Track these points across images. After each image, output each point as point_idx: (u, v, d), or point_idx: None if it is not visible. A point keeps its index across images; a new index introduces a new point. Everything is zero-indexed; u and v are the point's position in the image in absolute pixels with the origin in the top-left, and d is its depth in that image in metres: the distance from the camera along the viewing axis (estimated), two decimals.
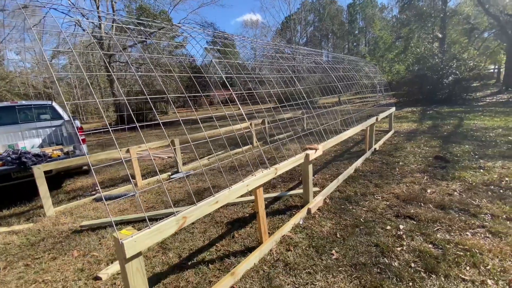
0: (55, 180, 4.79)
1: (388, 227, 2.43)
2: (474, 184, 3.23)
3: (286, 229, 2.46)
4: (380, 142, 5.72)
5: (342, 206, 2.94)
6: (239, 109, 2.67)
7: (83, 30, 13.62)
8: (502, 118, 7.40)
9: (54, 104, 5.72)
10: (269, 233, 2.49)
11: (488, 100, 12.83)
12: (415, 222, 2.50)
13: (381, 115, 5.51)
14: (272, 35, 37.43)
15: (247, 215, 2.92)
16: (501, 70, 24.84)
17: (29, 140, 4.74)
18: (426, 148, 5.07)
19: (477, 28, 17.94)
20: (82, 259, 2.38)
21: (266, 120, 6.87)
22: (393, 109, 6.70)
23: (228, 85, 3.03)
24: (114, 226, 1.33)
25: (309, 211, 2.79)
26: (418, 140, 5.75)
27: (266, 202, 3.21)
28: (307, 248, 2.21)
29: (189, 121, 13.92)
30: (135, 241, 1.29)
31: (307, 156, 2.68)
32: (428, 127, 7.24)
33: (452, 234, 2.25)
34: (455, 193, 3.05)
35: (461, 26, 19.16)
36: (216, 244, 2.39)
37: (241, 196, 2.08)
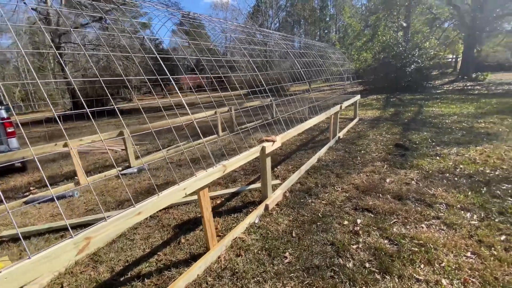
0: None
1: (346, 222, 2.31)
2: (430, 172, 3.26)
3: (239, 230, 2.23)
4: (344, 130, 5.71)
5: (302, 200, 2.79)
6: (208, 96, 2.34)
7: (25, 3, 11.84)
8: (458, 105, 7.81)
9: None
10: (220, 235, 2.25)
11: (445, 88, 13.65)
12: (372, 215, 2.41)
13: (346, 103, 5.45)
14: (243, 19, 36.23)
15: (200, 215, 2.64)
16: (458, 59, 26.65)
17: None
18: (388, 135, 5.13)
19: (438, 18, 18.79)
20: None
21: (232, 108, 6.53)
22: (357, 97, 6.72)
23: (197, 70, 2.64)
24: (22, 239, 0.97)
25: (266, 207, 2.59)
26: (381, 128, 5.83)
27: (223, 199, 2.95)
28: (259, 252, 2.00)
29: (152, 108, 13.09)
30: (6, 277, 0.95)
31: (263, 149, 2.45)
32: (390, 115, 7.42)
33: (408, 227, 2.19)
34: (413, 182, 3.04)
35: (424, 16, 19.95)
36: (158, 253, 2.10)
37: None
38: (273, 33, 4.86)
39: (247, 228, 2.31)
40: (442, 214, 2.34)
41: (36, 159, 1.22)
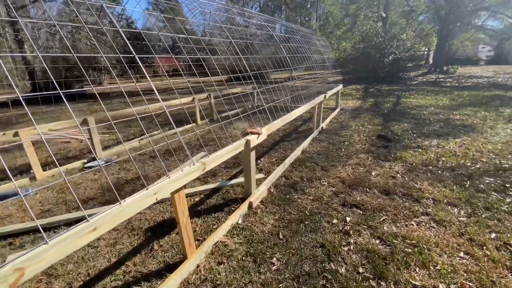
0: None
1: (335, 221, 2.17)
2: (414, 164, 3.23)
3: (220, 232, 2.01)
4: (327, 121, 5.61)
5: (287, 196, 2.61)
6: (186, 81, 2.01)
7: None
8: (433, 97, 8.04)
9: None
10: (199, 239, 2.01)
11: (419, 80, 14.12)
12: (361, 212, 2.30)
13: (329, 93, 5.32)
14: (223, 1, 34.62)
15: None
16: (430, 52, 27.74)
17: None
18: (370, 126, 5.10)
19: (415, 10, 19.21)
20: None
21: (212, 95, 6.15)
22: (340, 86, 6.63)
23: (172, 53, 2.27)
24: None
25: (250, 205, 2.38)
26: (362, 118, 5.80)
27: (202, 196, 2.70)
28: (243, 258, 1.80)
29: (125, 93, 12.20)
30: None
31: (248, 143, 2.20)
32: (370, 105, 7.46)
33: (398, 225, 2.09)
34: (398, 175, 2.98)
35: (401, 8, 20.30)
36: (127, 263, 1.82)
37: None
38: (256, 15, 4.51)
39: (229, 230, 2.09)
40: (431, 210, 2.28)
41: None
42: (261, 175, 3.06)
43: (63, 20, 13.70)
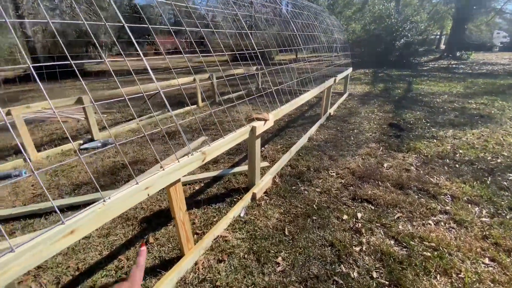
0: None
1: (345, 217, 2.01)
2: (429, 156, 3.02)
3: (221, 226, 1.85)
4: (335, 106, 5.34)
5: (293, 187, 2.44)
6: (188, 60, 1.77)
7: None
8: (446, 84, 7.66)
9: None
10: (198, 233, 1.86)
11: (431, 65, 13.54)
12: (373, 208, 2.13)
13: (339, 76, 5.01)
14: None
15: None
16: (442, 36, 26.55)
17: None
18: (380, 113, 4.84)
19: None
20: None
21: (214, 75, 5.85)
22: (350, 70, 6.28)
23: (173, 32, 2.02)
24: None
25: (254, 196, 2.22)
26: (372, 105, 5.52)
27: (202, 185, 2.54)
28: (246, 256, 1.66)
29: (125, 71, 11.84)
30: None
31: (253, 129, 1.99)
32: (380, 91, 7.13)
33: (414, 224, 1.93)
34: (412, 168, 2.79)
35: None
36: (120, 257, 1.68)
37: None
38: None
39: (231, 223, 1.94)
40: (449, 208, 2.11)
41: None
42: (265, 163, 2.87)
43: None
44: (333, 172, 2.73)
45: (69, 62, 1.12)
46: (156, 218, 2.05)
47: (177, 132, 4.12)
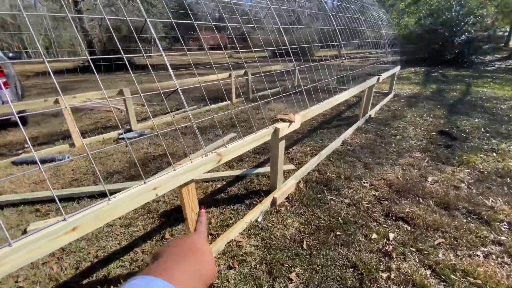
0: None
1: (374, 236, 1.78)
2: (486, 173, 2.58)
3: (236, 230, 1.78)
4: (377, 108, 4.90)
5: (319, 195, 2.26)
6: (228, 56, 1.76)
7: None
8: None
9: None
10: (212, 234, 1.82)
11: (497, 66, 11.77)
12: (410, 229, 1.86)
13: (384, 75, 4.58)
14: None
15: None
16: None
17: None
18: (430, 118, 4.31)
19: None
20: None
21: (249, 72, 5.80)
22: (397, 68, 5.72)
23: (215, 29, 2.02)
24: None
25: (274, 201, 2.10)
26: (421, 108, 4.96)
27: (224, 183, 2.49)
28: (257, 266, 1.56)
29: (165, 66, 12.44)
30: None
31: (276, 131, 1.87)
32: (432, 92, 6.38)
33: (458, 253, 1.63)
34: (463, 185, 2.40)
35: None
36: (136, 249, 1.72)
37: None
38: None
39: (246, 228, 1.86)
40: (505, 238, 1.75)
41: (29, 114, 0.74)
42: (291, 166, 2.73)
43: None
44: (367, 182, 2.47)
45: (120, 56, 1.18)
46: (176, 213, 2.06)
47: (208, 127, 4.16)
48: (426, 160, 2.86)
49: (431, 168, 2.70)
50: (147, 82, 9.36)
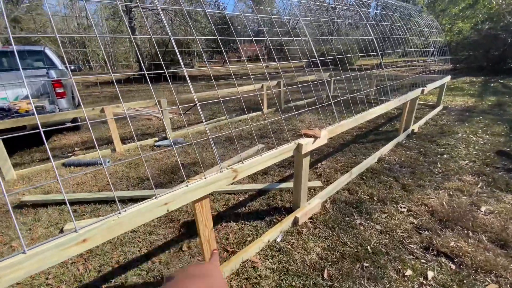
0: (40, 135, 4.44)
1: (409, 272, 1.56)
2: None
3: (252, 249, 1.71)
4: (421, 122, 4.46)
5: (347, 218, 2.08)
6: (265, 66, 1.81)
7: None
8: None
9: (47, 50, 5.15)
10: (228, 251, 1.77)
11: None
12: (454, 267, 1.59)
13: (430, 86, 4.16)
14: None
15: (216, 213, 2.21)
16: None
17: (12, 91, 4.28)
18: (486, 136, 3.77)
19: None
20: (0, 248, 1.91)
21: (281, 82, 5.76)
22: (447, 78, 5.18)
23: (254, 40, 2.10)
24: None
25: (295, 221, 1.98)
26: (475, 123, 4.37)
27: (246, 196, 2.44)
28: None
29: (204, 76, 13.02)
30: None
31: (299, 147, 1.77)
32: (490, 106, 5.62)
33: None
34: None
35: None
36: (154, 258, 1.74)
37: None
38: None
39: (264, 248, 1.77)
40: None
41: (80, 121, 0.84)
42: (317, 183, 2.57)
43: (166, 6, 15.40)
44: (404, 207, 2.21)
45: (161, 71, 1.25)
46: (195, 225, 2.06)
47: (238, 136, 4.19)
48: (479, 186, 2.47)
49: (485, 195, 2.32)
50: (187, 92, 9.90)
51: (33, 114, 3.56)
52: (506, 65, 10.70)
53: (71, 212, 0.94)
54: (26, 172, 3.16)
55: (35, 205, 2.42)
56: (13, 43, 1.00)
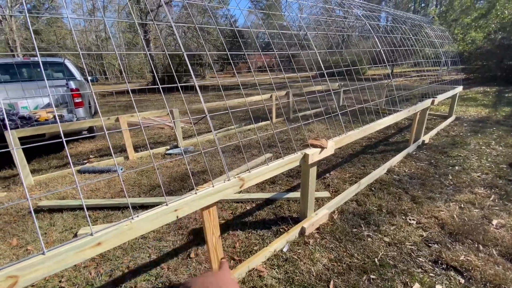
0: (58, 143, 4.65)
1: (417, 286, 1.54)
2: None
3: (258, 259, 1.73)
4: (433, 132, 4.40)
5: (354, 229, 2.07)
6: (273, 77, 1.88)
7: None
8: None
9: (66, 61, 5.45)
10: (234, 259, 1.79)
11: None
12: (463, 282, 1.56)
13: (441, 97, 4.12)
14: None
15: (223, 221, 2.24)
16: None
17: (32, 100, 4.54)
18: (499, 148, 3.68)
19: None
20: (16, 251, 2.00)
21: (290, 92, 5.83)
22: (459, 88, 5.11)
23: (260, 50, 2.20)
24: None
25: (302, 231, 1.99)
26: (488, 135, 4.28)
27: (253, 205, 2.47)
28: None
29: (215, 87, 13.30)
30: None
31: (305, 157, 1.81)
32: (504, 116, 5.49)
33: None
34: None
35: None
36: (162, 264, 1.78)
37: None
38: (358, 4, 3.82)
39: (270, 257, 1.79)
40: None
41: (95, 129, 0.94)
42: (325, 194, 2.58)
43: (179, 21, 15.99)
44: (413, 220, 2.18)
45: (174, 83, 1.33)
46: (203, 233, 2.10)
47: (247, 146, 4.25)
48: (491, 198, 2.42)
49: (497, 208, 2.26)
50: (198, 101, 10.12)
51: (52, 122, 3.75)
52: None
53: (87, 216, 1.00)
54: (43, 178, 3.30)
55: (51, 210, 2.53)
56: (38, 55, 1.09)
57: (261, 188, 2.79)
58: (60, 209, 2.50)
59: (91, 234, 0.98)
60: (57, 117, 1.10)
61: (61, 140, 1.05)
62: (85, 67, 2.08)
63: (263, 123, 5.63)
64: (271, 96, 5.60)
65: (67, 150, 1.05)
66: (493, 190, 2.56)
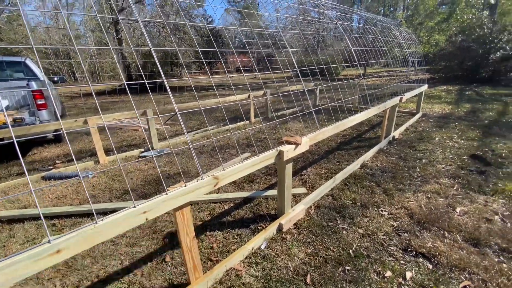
0: (20, 148, 4.30)
1: (388, 273, 1.60)
2: None
3: (236, 257, 1.70)
4: (402, 128, 4.64)
5: (330, 223, 2.12)
6: (252, 77, 1.83)
7: None
8: None
9: (27, 61, 5.06)
10: (211, 260, 1.76)
11: None
12: (431, 267, 1.65)
13: (408, 95, 4.36)
14: None
15: (201, 222, 2.20)
16: None
17: None
18: (461, 141, 3.96)
19: None
20: None
21: (268, 92, 5.87)
22: (424, 87, 5.44)
23: (241, 52, 2.16)
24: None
25: (280, 227, 2.00)
26: (451, 129, 4.59)
27: (232, 205, 2.45)
28: None
29: (199, 87, 13.07)
30: None
31: (280, 154, 1.82)
32: (465, 112, 5.92)
33: None
34: (496, 217, 2.11)
35: None
36: (136, 271, 1.70)
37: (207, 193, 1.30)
38: (331, 7, 3.92)
39: (248, 255, 1.77)
40: None
41: (64, 133, 0.84)
42: (302, 190, 2.62)
43: (153, 19, 15.48)
44: (385, 211, 2.28)
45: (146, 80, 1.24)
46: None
47: (224, 146, 4.21)
48: (455, 188, 2.59)
49: (460, 197, 2.43)
50: (176, 102, 9.84)
51: (13, 126, 3.46)
52: (479, 75, 11.34)
53: (44, 224, 0.92)
54: (3, 187, 3.04)
55: (11, 220, 2.33)
56: None
57: (240, 188, 2.77)
58: (21, 219, 2.31)
59: (49, 242, 0.91)
60: (8, 121, 1.01)
61: (15, 144, 0.95)
62: (41, 66, 1.93)
63: (241, 123, 5.61)
64: (249, 96, 5.60)
65: (19, 154, 0.96)
66: (456, 180, 2.74)
